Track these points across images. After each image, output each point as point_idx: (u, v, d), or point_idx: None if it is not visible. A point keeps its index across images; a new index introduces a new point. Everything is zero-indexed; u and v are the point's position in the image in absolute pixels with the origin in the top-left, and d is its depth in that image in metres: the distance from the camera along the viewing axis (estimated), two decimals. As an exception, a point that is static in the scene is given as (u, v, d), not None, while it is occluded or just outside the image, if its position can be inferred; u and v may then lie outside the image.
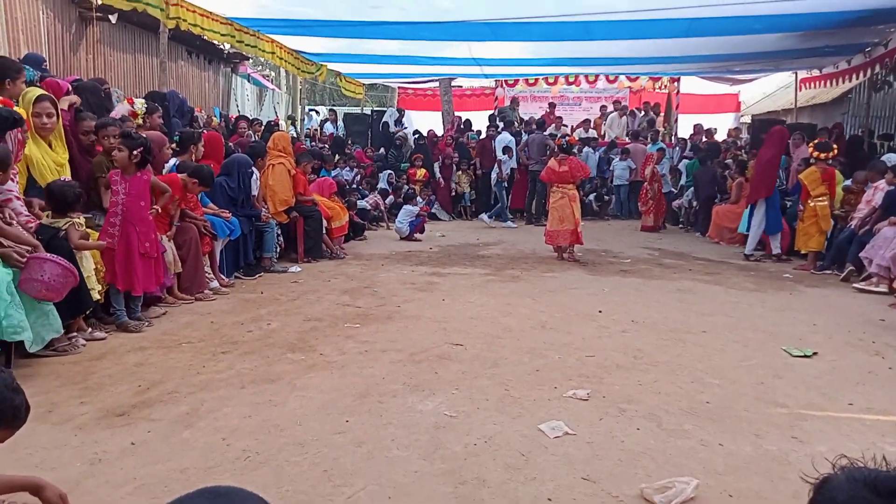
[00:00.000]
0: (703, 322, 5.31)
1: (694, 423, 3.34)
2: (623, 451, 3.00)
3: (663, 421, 3.35)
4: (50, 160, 4.62)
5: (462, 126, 14.82)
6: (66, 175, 4.72)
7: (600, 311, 5.57)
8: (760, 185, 8.35)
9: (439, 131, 15.03)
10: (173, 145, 6.13)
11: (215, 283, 6.00)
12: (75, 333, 4.25)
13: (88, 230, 4.50)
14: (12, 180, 4.02)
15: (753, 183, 8.57)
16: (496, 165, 12.18)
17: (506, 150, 12.12)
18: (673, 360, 4.32)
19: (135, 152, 4.70)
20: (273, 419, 3.25)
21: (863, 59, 10.65)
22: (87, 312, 4.40)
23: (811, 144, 7.96)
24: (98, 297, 4.47)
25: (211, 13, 8.82)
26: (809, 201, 7.80)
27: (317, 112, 18.14)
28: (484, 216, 12.65)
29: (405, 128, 15.37)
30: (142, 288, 4.79)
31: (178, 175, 5.67)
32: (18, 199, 4.05)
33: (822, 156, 7.72)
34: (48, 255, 3.80)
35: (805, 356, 4.47)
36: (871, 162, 8.15)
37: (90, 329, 4.45)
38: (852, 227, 7.55)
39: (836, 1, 7.62)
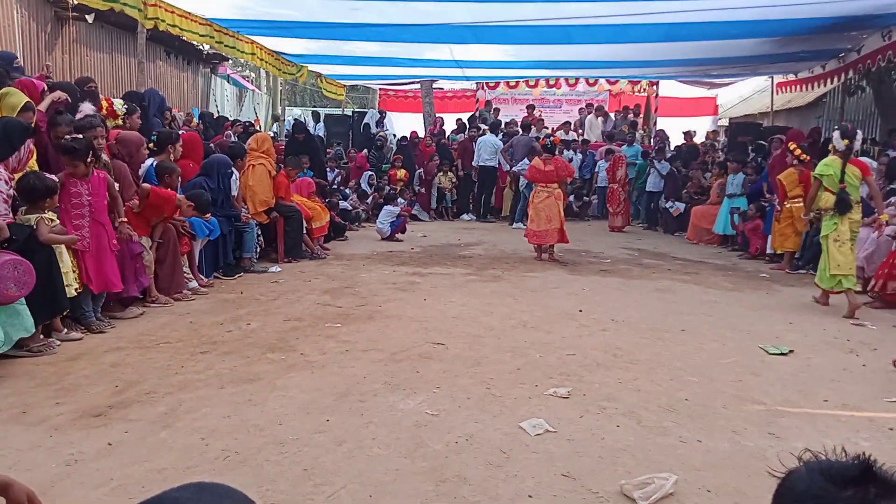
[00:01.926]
0: (682, 321, 5.37)
1: (673, 420, 3.37)
2: (603, 448, 3.02)
3: (643, 418, 3.38)
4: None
5: (442, 128, 14.89)
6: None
7: (581, 311, 5.60)
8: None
9: (421, 133, 15.05)
10: (150, 145, 6.06)
11: (194, 284, 5.95)
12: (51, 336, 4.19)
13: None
14: (5, 182, 3.96)
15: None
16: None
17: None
18: (652, 359, 4.36)
19: (88, 159, 4.61)
20: (252, 419, 3.22)
21: (837, 64, 10.84)
22: (64, 313, 4.33)
23: (792, 144, 8.06)
24: (74, 294, 4.40)
25: (190, 14, 8.74)
26: (786, 202, 7.91)
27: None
28: (465, 216, 12.72)
29: (386, 129, 15.38)
30: (116, 285, 4.73)
31: (177, 196, 5.61)
32: (6, 200, 3.99)
33: (803, 157, 7.82)
34: (9, 255, 3.71)
35: (781, 354, 4.54)
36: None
37: (65, 329, 4.38)
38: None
39: (811, 7, 7.74)
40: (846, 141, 5.71)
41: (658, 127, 15.49)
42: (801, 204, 7.84)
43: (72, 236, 4.41)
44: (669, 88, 16.61)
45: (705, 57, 11.13)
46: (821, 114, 13.80)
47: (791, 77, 13.01)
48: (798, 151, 7.87)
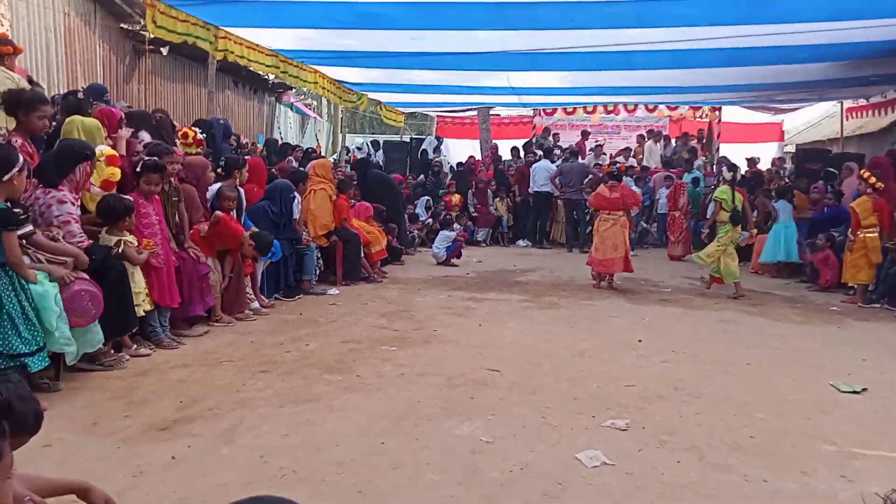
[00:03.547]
0: (748, 354, 5.18)
1: (738, 457, 3.24)
2: (663, 484, 2.93)
3: (706, 454, 3.26)
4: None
5: (498, 154, 14.95)
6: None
7: (640, 341, 5.48)
8: None
9: (480, 158, 15.18)
10: (218, 170, 6.31)
11: (256, 304, 6.11)
12: (121, 352, 4.38)
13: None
14: (73, 203, 4.18)
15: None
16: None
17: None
18: (716, 392, 4.21)
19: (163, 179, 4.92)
20: (311, 438, 3.27)
21: (912, 88, 10.43)
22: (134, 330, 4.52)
23: (865, 172, 7.75)
24: (143, 314, 4.59)
25: (257, 45, 9.12)
26: (860, 232, 7.57)
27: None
28: (521, 242, 12.69)
29: (443, 155, 15.56)
30: (175, 300, 4.92)
31: (243, 232, 5.83)
32: (76, 221, 4.20)
33: (877, 184, 7.50)
34: (84, 282, 3.89)
35: (854, 392, 4.32)
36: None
37: (135, 345, 4.57)
38: (904, 259, 7.31)
39: (883, 31, 7.48)
40: (731, 173, 8.32)
41: (720, 153, 15.15)
42: (876, 234, 7.52)
43: (150, 251, 4.62)
44: (733, 114, 16.25)
45: (770, 82, 10.87)
46: (895, 139, 13.20)
47: (862, 102, 12.56)
48: (872, 179, 7.56)
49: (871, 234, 7.52)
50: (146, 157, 4.96)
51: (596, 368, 4.66)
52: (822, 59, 9.01)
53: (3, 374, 1.78)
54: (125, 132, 5.20)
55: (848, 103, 13.18)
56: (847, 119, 13.58)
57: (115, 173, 4.58)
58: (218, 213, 5.66)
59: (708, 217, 8.94)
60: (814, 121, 18.35)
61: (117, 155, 4.72)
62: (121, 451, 3.04)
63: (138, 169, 4.87)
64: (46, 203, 4.06)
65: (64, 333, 3.60)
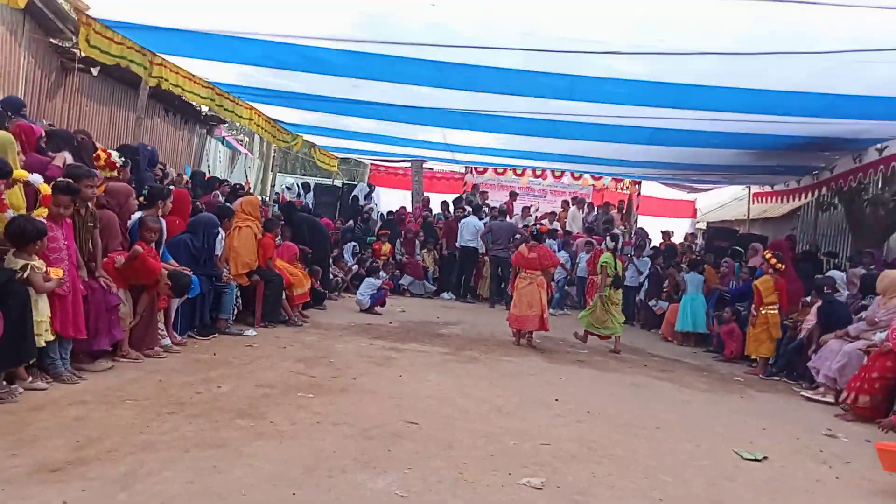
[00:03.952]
0: (657, 418, 5.35)
1: (646, 520, 3.30)
2: (575, 545, 2.94)
3: (616, 516, 3.31)
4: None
5: (429, 207, 15.16)
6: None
7: (556, 400, 5.56)
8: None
9: (410, 209, 15.31)
10: (141, 198, 6.08)
11: (167, 341, 5.83)
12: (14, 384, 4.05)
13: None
14: None
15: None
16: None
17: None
18: (627, 455, 4.31)
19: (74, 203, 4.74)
20: (216, 487, 3.10)
21: (811, 180, 11.37)
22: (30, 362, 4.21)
23: (768, 253, 8.32)
24: (43, 344, 4.28)
25: (194, 76, 8.97)
26: (762, 308, 8.06)
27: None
28: (445, 294, 12.78)
29: (374, 203, 15.61)
30: (81, 332, 4.65)
31: (161, 270, 5.59)
32: None
33: (778, 266, 8.05)
34: None
35: (755, 460, 4.52)
36: (815, 277, 8.55)
37: (30, 378, 4.24)
38: (801, 336, 7.81)
39: (788, 126, 8.20)
40: (613, 242, 9.31)
41: (638, 224, 15.91)
42: (776, 311, 8.03)
43: (57, 280, 4.34)
44: (651, 189, 17.18)
45: (686, 162, 11.62)
46: (795, 226, 14.30)
47: (767, 188, 13.57)
48: (773, 260, 8.11)
49: (772, 311, 8.03)
50: (58, 179, 4.73)
51: (512, 425, 4.68)
52: (734, 146, 9.74)
53: None
54: (64, 156, 5.00)
55: (755, 188, 14.20)
56: (753, 203, 14.61)
57: (44, 213, 4.48)
58: (137, 247, 5.40)
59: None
60: (724, 202, 19.67)
61: (50, 194, 4.53)
62: (3, 493, 2.78)
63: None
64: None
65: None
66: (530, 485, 3.58)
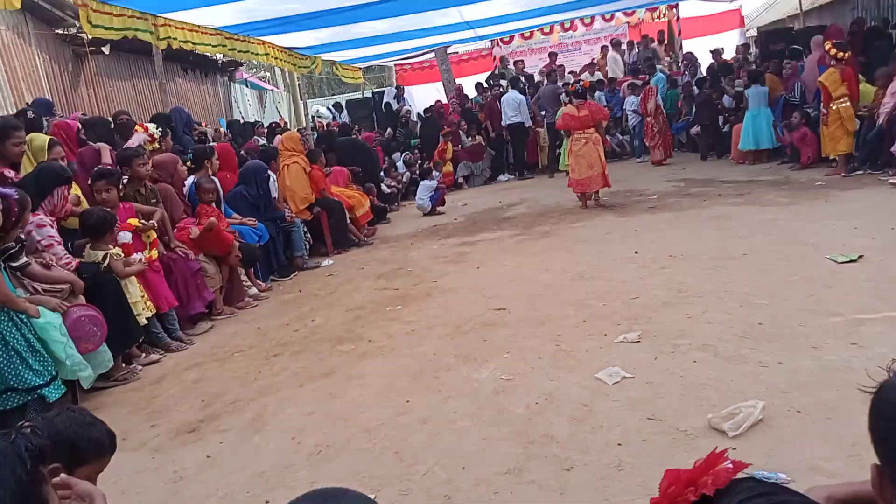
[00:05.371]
0: (743, 245, 5.24)
1: (750, 346, 3.32)
2: (684, 386, 3.01)
3: (719, 349, 3.34)
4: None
5: (464, 94, 14.71)
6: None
7: (636, 252, 5.52)
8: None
9: (445, 100, 14.94)
10: (188, 163, 6.19)
11: (254, 290, 6.10)
12: (132, 364, 4.38)
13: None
14: (51, 226, 4.11)
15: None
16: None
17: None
18: (719, 288, 4.28)
19: (120, 185, 4.85)
20: (336, 411, 3.32)
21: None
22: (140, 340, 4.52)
23: (827, 44, 7.68)
24: (145, 322, 4.57)
25: (199, 27, 8.78)
26: (832, 104, 7.56)
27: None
28: (502, 177, 12.65)
29: (408, 104, 15.30)
30: (172, 301, 4.92)
31: (233, 241, 5.77)
32: (59, 243, 4.13)
33: (840, 55, 7.45)
34: (82, 308, 3.86)
35: (851, 261, 4.40)
36: (893, 53, 7.85)
37: (144, 354, 4.57)
38: (880, 122, 7.33)
39: None
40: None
41: (684, 50, 14.95)
42: (848, 104, 7.52)
43: (142, 263, 4.58)
44: (690, 8, 15.98)
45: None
46: (854, 5, 13.03)
47: (817, -29, 12.32)
48: (833, 50, 7.50)
49: (843, 105, 7.53)
50: (98, 167, 4.87)
51: (598, 288, 4.72)
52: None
53: (67, 409, 1.80)
54: (106, 147, 5.14)
55: (803, -25, 12.94)
56: (804, -9, 13.36)
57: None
58: (213, 219, 5.56)
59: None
60: (771, 0, 18.06)
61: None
62: (154, 460, 3.08)
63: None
64: (26, 230, 3.99)
65: (75, 360, 3.58)
66: (628, 340, 3.64)
